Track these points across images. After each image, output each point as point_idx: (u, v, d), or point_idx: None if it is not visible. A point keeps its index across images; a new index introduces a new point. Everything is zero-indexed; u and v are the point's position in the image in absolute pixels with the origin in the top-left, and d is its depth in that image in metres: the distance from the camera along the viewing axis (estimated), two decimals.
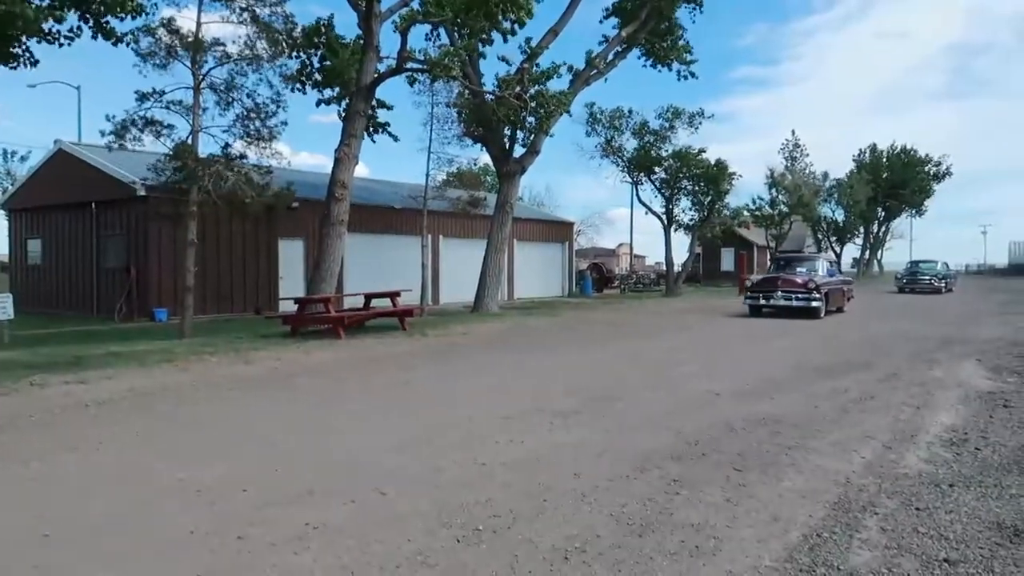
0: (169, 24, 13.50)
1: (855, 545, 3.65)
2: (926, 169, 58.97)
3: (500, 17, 17.09)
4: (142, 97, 13.66)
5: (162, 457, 5.35)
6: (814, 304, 18.00)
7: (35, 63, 12.30)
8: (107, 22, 12.43)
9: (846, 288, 21.15)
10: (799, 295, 18.20)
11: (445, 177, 23.63)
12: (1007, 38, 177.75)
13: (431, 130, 20.70)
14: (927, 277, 33.51)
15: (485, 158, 25.46)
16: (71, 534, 3.85)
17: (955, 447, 5.60)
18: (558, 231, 33.68)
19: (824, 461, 5.18)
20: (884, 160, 58.31)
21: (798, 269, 19.83)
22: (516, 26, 18.25)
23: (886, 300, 28.15)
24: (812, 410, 6.96)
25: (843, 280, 21.89)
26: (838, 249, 56.87)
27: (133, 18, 12.72)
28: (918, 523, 3.95)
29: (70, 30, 12.18)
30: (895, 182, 57.26)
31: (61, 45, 12.21)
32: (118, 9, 12.13)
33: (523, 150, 22.30)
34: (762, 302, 18.88)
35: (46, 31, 11.83)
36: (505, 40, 19.08)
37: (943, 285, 32.76)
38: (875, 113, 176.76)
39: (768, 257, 47.02)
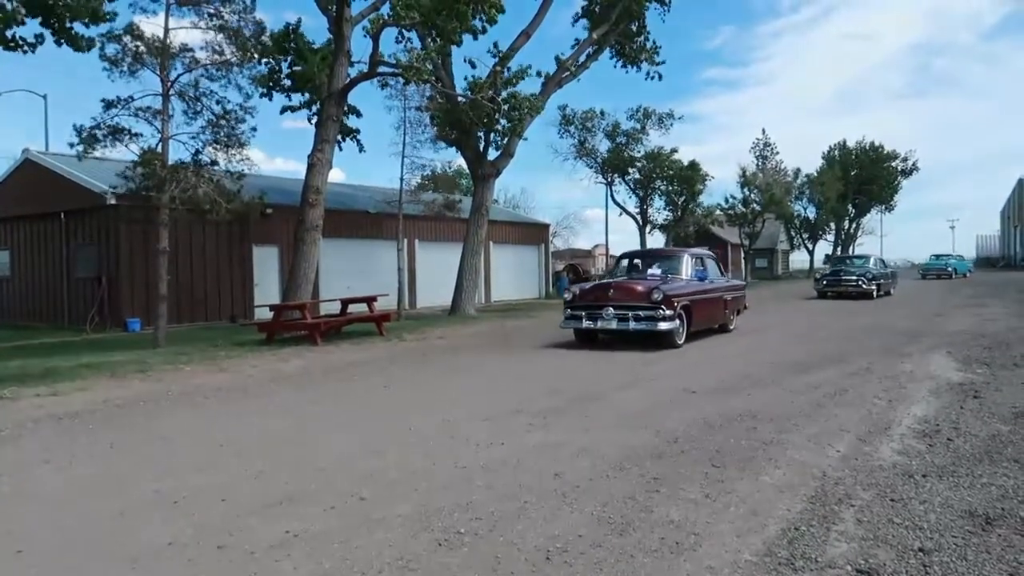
0: (134, 31, 13.33)
1: (832, 537, 3.70)
2: (893, 165, 59.98)
3: (470, 16, 17.08)
4: (108, 105, 13.50)
5: (138, 469, 5.28)
6: (661, 327, 11.53)
7: None
8: (71, 28, 12.25)
9: (731, 297, 14.81)
10: (640, 312, 11.70)
11: (420, 181, 23.62)
12: (966, 38, 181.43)
13: (404, 134, 20.70)
14: (853, 278, 25.87)
15: (460, 161, 25.48)
16: (45, 550, 3.78)
17: (928, 438, 5.70)
18: (534, 233, 33.74)
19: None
20: (853, 157, 59.21)
21: (650, 272, 13.36)
22: (487, 24, 18.27)
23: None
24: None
25: (727, 286, 15.10)
26: (811, 246, 57.64)
27: (98, 25, 12.55)
28: (893, 514, 4.01)
29: (35, 36, 12.00)
30: (864, 178, 58.19)
31: (25, 52, 12.03)
32: (83, 16, 11.96)
33: (497, 153, 22.33)
34: (586, 324, 12.22)
35: (8, 38, 11.64)
36: (476, 38, 19.10)
37: (874, 288, 25.33)
38: (842, 112, 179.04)
39: (742, 255, 47.59)
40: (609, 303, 12.08)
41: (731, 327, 14.77)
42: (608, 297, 12.25)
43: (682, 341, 12.14)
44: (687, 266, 13.65)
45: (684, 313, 12.18)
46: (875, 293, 25.27)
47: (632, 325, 11.73)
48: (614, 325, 11.92)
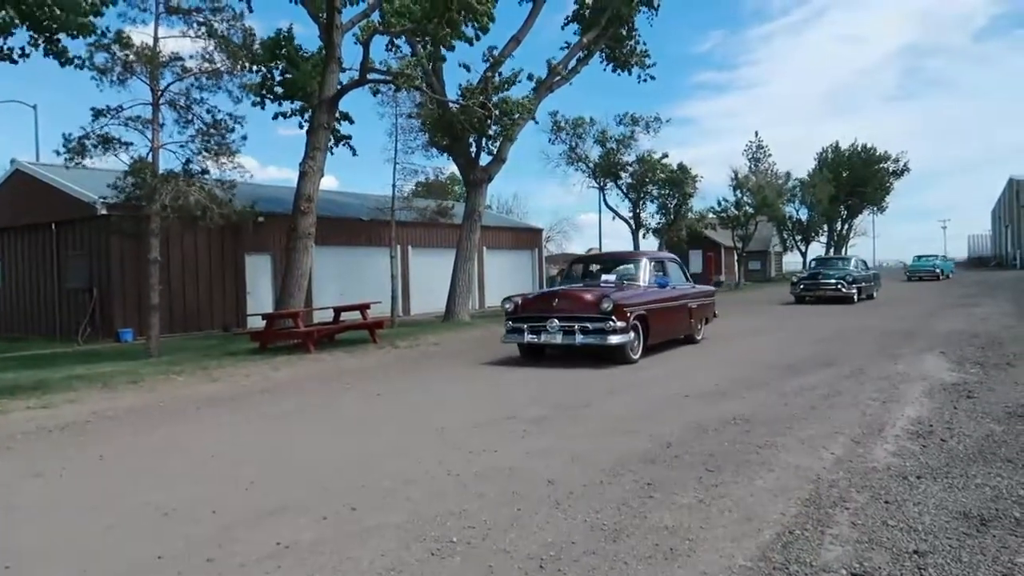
0: (123, 40, 13.28)
1: (827, 541, 3.68)
2: (885, 166, 60.24)
3: (461, 24, 17.10)
4: (98, 114, 13.45)
5: (128, 481, 5.23)
6: (612, 340, 10.26)
7: None
8: (58, 40, 12.20)
9: (696, 305, 13.28)
10: (588, 324, 10.44)
11: (413, 187, 23.63)
12: (956, 39, 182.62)
13: (396, 140, 20.68)
14: (832, 281, 24.07)
15: (452, 167, 25.50)
16: (33, 564, 3.74)
17: (921, 439, 5.69)
18: (527, 238, 33.75)
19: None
20: (845, 158, 59.46)
21: (604, 278, 12.06)
22: (480, 32, 18.30)
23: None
24: None
25: (692, 293, 13.52)
26: (803, 248, 57.81)
27: (86, 37, 12.50)
28: (888, 516, 4.00)
29: (22, 48, 11.94)
30: (856, 180, 58.42)
31: (15, 62, 11.97)
32: (71, 28, 11.90)
33: (489, 158, 22.34)
34: (529, 338, 10.93)
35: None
36: (471, 44, 19.14)
37: (855, 291, 23.59)
38: (833, 114, 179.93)
39: (735, 257, 47.69)
40: (554, 314, 10.77)
41: (698, 337, 13.47)
42: (553, 307, 10.88)
43: (638, 356, 10.86)
44: (645, 271, 12.23)
45: (640, 324, 10.92)
46: (856, 297, 23.65)
47: (579, 339, 10.45)
48: (559, 339, 10.61)
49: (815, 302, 23.88)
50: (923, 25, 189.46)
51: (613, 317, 10.30)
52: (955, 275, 45.63)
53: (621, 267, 12.70)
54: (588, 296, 10.79)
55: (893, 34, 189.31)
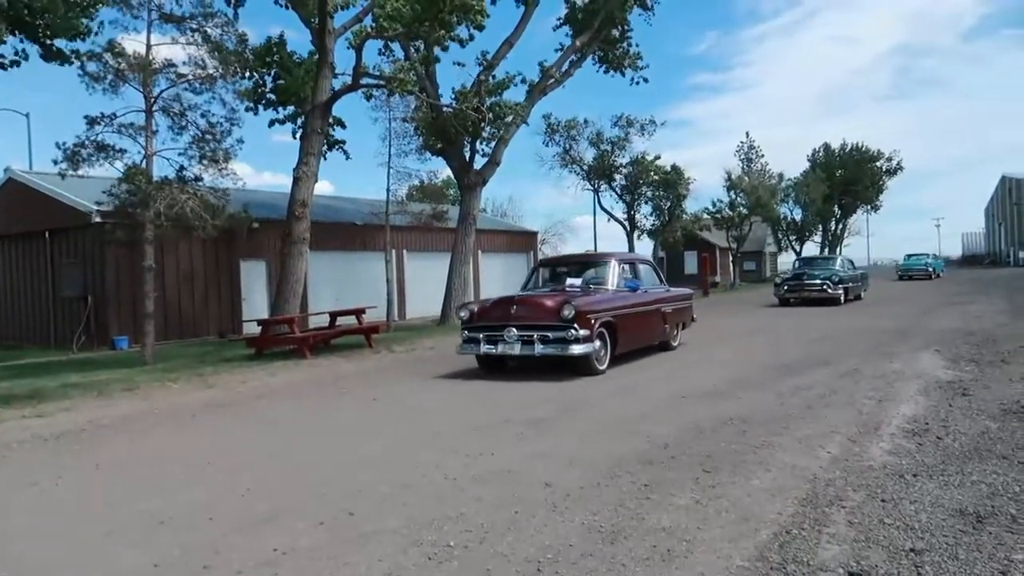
0: (115, 48, 13.25)
1: (824, 540, 3.69)
2: (878, 165, 60.36)
3: (454, 24, 17.09)
4: (92, 121, 13.41)
5: (124, 489, 5.22)
6: (575, 350, 9.40)
7: None
8: (53, 44, 12.19)
9: (672, 309, 12.40)
10: (548, 333, 9.59)
11: (407, 191, 23.63)
12: (946, 39, 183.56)
13: (390, 145, 20.71)
14: (817, 282, 22.87)
15: (446, 171, 25.50)
16: (30, 573, 3.73)
17: (917, 437, 5.70)
18: (522, 241, 33.75)
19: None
20: (837, 158, 59.56)
21: (569, 282, 11.17)
22: (475, 30, 18.30)
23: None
24: None
25: (667, 297, 12.56)
26: (798, 248, 57.93)
27: (82, 40, 12.49)
28: (884, 514, 4.01)
29: (16, 54, 11.93)
30: (849, 179, 58.48)
31: (6, 68, 11.96)
32: (65, 32, 11.89)
33: (484, 162, 22.36)
34: (485, 349, 10.07)
35: None
36: (463, 46, 19.18)
37: (841, 292, 22.51)
38: (826, 114, 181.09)
39: (730, 258, 47.75)
40: (512, 322, 9.84)
41: (674, 344, 12.62)
42: (511, 315, 9.94)
43: (604, 366, 9.96)
44: (614, 275, 11.25)
45: (607, 331, 10.06)
46: (842, 298, 22.55)
47: (538, 349, 9.57)
48: (517, 350, 9.72)
49: (800, 304, 22.81)
50: (914, 25, 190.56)
51: (576, 325, 9.41)
52: (948, 274, 45.65)
53: (589, 270, 11.69)
54: (548, 302, 9.94)
55: (884, 34, 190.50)
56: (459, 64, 21.06)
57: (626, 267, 11.79)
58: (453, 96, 20.52)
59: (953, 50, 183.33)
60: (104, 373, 12.06)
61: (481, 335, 10.11)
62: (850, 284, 23.56)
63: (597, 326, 9.78)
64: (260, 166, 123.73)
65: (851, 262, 26.65)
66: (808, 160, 60.21)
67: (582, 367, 9.69)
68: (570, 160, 34.44)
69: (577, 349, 9.42)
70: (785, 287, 23.93)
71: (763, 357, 11.03)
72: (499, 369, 10.62)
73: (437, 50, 19.88)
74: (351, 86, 16.55)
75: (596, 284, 11.13)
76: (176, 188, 13.93)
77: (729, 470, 4.98)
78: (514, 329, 9.75)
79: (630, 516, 4.14)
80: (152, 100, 13.66)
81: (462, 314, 10.77)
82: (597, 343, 9.80)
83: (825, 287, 22.56)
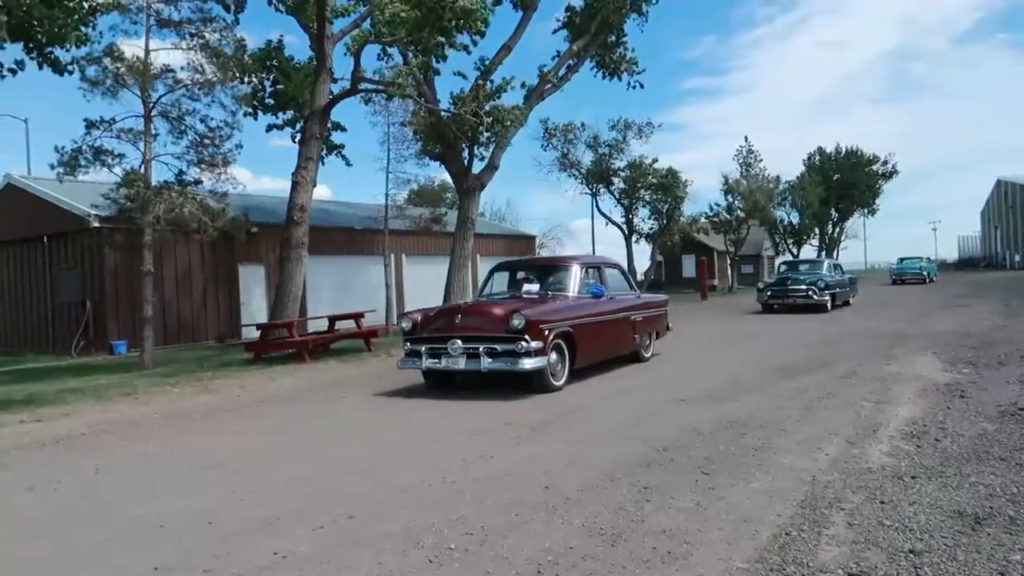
0: (114, 53, 13.26)
1: (823, 541, 3.70)
2: (874, 168, 60.47)
3: (455, 32, 17.14)
4: (91, 126, 13.43)
5: (123, 493, 5.22)
6: (526, 364, 8.37)
7: None
8: (51, 52, 12.19)
9: (642, 318, 11.40)
10: (495, 346, 8.60)
11: (406, 196, 23.64)
12: (939, 43, 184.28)
13: (388, 150, 20.70)
14: (802, 287, 21.73)
15: (445, 175, 25.52)
16: None
17: (915, 439, 5.72)
18: (521, 245, 33.75)
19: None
20: (833, 161, 59.68)
21: (526, 288, 10.12)
22: (476, 37, 18.34)
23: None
24: None
25: (637, 304, 11.62)
26: (795, 251, 58.01)
27: (79, 47, 12.50)
28: (883, 516, 4.02)
29: (15, 62, 11.92)
30: (845, 182, 58.59)
31: (3, 77, 11.96)
32: (63, 40, 11.89)
33: (482, 166, 22.36)
34: (428, 363, 9.05)
35: None
36: (468, 52, 19.25)
37: (827, 298, 21.44)
38: (821, 118, 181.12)
39: (728, 262, 47.79)
40: (457, 333, 8.86)
41: (646, 355, 11.66)
42: (456, 325, 8.95)
43: (561, 382, 8.98)
44: (575, 280, 10.18)
45: (564, 343, 9.09)
46: (829, 304, 21.52)
47: (485, 363, 8.55)
48: (462, 364, 8.72)
49: (785, 311, 21.84)
50: (905, 29, 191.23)
51: (526, 336, 8.39)
52: (944, 277, 45.58)
53: (549, 276, 10.59)
54: (497, 311, 8.92)
55: (876, 39, 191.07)
56: (460, 75, 21.12)
57: (590, 271, 10.76)
58: (452, 101, 20.53)
59: (946, 53, 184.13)
60: (103, 378, 12.06)
61: (423, 348, 9.11)
62: (837, 290, 22.68)
63: (552, 337, 8.76)
64: (259, 171, 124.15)
65: (839, 266, 25.89)
66: (804, 164, 60.36)
67: (536, 383, 8.69)
68: (568, 164, 34.50)
69: (528, 364, 8.38)
70: (768, 292, 22.82)
71: (761, 361, 11.05)
72: (446, 385, 9.60)
73: (436, 59, 19.92)
74: (349, 91, 16.57)
75: (556, 290, 10.11)
76: (175, 192, 13.95)
77: (728, 472, 4.99)
78: (459, 341, 8.76)
79: (630, 519, 4.14)
80: (151, 105, 13.68)
81: (404, 324, 9.63)
82: (553, 356, 8.80)
83: (810, 293, 21.54)
